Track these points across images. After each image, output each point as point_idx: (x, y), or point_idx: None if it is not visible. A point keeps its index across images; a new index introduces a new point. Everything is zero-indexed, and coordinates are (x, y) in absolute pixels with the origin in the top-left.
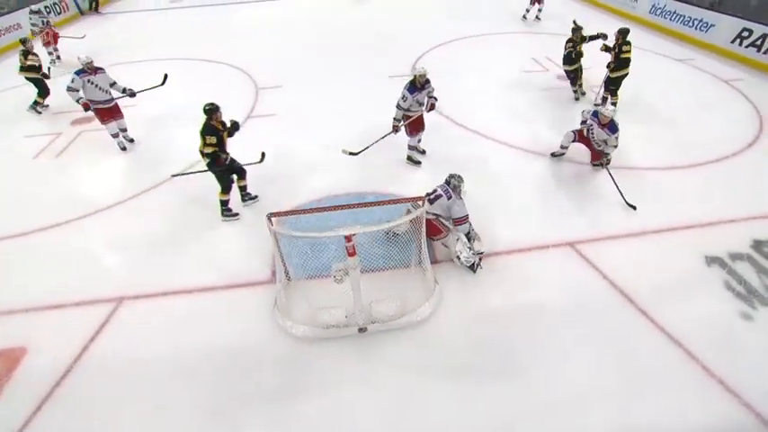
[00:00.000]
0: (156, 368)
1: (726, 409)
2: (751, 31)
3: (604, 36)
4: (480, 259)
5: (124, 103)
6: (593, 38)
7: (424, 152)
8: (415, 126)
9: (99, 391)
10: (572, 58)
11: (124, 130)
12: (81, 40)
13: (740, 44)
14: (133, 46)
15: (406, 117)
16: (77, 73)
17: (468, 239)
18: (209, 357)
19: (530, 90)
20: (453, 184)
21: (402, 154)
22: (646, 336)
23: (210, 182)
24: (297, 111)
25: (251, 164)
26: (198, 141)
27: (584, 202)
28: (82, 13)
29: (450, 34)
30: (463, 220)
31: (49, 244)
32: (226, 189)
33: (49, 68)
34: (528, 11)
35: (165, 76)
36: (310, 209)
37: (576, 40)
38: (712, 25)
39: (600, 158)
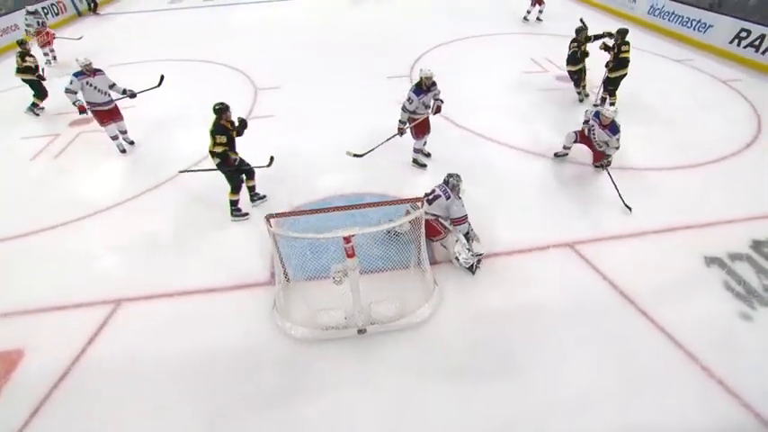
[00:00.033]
0: (155, 369)
1: (726, 409)
2: (749, 32)
3: (610, 35)
4: (479, 261)
5: (123, 104)
6: (598, 37)
7: (429, 155)
8: (421, 129)
9: (98, 393)
10: (576, 57)
11: (124, 132)
12: (79, 42)
13: (738, 45)
14: (132, 47)
15: (411, 119)
16: (76, 75)
17: (468, 240)
18: (208, 358)
19: (530, 91)
20: (452, 184)
21: (407, 156)
22: (646, 336)
23: (213, 182)
24: (295, 111)
25: (259, 167)
26: (206, 141)
27: (585, 202)
28: (80, 14)
29: (450, 35)
30: (462, 220)
31: (48, 246)
32: (236, 189)
33: (42, 69)
34: (529, 12)
35: (162, 78)
36: (309, 210)
37: (581, 40)
38: (711, 26)
39: (602, 159)
